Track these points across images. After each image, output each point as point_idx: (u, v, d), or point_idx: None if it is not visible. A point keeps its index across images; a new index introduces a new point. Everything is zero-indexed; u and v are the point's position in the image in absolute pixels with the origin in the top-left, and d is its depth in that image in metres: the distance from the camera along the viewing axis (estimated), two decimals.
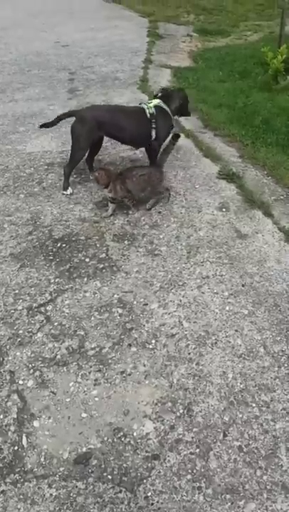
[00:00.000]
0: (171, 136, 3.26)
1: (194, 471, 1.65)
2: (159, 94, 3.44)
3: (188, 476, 1.63)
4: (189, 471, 1.65)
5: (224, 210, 3.10)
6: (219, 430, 1.78)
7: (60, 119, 3.36)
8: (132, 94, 5.26)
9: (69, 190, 3.34)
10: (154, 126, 3.25)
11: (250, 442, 1.73)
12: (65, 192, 3.33)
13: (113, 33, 8.23)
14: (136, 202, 3.13)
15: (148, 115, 3.23)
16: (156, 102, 3.32)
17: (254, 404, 1.86)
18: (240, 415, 1.82)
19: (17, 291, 2.50)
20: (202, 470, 1.65)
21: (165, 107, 3.32)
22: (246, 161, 3.76)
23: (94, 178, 3.06)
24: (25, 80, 5.94)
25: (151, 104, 3.28)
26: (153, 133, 3.27)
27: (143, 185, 3.05)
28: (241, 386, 1.94)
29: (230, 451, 1.71)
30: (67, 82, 5.78)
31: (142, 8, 10.30)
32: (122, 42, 7.59)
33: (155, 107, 3.27)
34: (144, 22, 9.14)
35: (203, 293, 2.44)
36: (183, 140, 4.10)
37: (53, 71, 6.26)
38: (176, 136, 3.22)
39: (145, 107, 3.27)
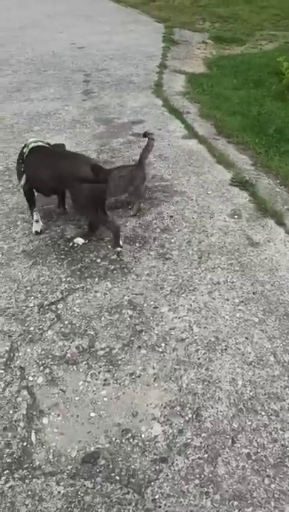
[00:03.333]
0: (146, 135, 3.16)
1: (202, 476, 1.65)
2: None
3: (196, 481, 1.64)
4: (197, 475, 1.65)
5: (236, 217, 3.11)
6: (228, 437, 1.78)
7: None
8: (147, 98, 5.29)
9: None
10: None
11: (259, 450, 1.73)
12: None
13: (129, 37, 8.27)
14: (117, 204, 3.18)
15: None
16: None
17: (263, 413, 1.86)
18: (249, 423, 1.83)
19: (29, 288, 2.51)
20: (210, 475, 1.65)
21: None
22: (259, 169, 3.78)
23: None
24: (41, 79, 5.98)
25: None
26: None
27: (123, 187, 3.01)
28: (251, 394, 1.94)
29: (238, 458, 1.71)
30: (82, 84, 5.81)
31: (158, 14, 10.35)
32: (137, 46, 7.62)
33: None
34: (159, 27, 9.17)
35: (213, 299, 2.44)
36: (196, 146, 4.13)
37: (68, 72, 6.29)
38: (149, 134, 3.13)
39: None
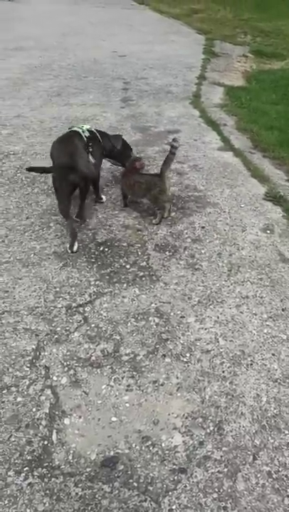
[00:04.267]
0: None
1: (221, 491, 1.63)
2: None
3: (215, 495, 1.62)
4: (216, 489, 1.64)
5: (268, 231, 3.09)
6: (249, 453, 1.75)
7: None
8: (184, 108, 5.32)
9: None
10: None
11: (280, 469, 1.70)
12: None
13: (169, 48, 8.34)
14: (128, 202, 3.33)
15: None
16: (87, 126, 3.22)
17: (287, 431, 1.83)
18: (272, 440, 1.80)
19: (58, 289, 2.54)
20: (229, 490, 1.63)
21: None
22: None
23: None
24: (81, 85, 6.09)
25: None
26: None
27: (139, 192, 3.15)
28: (275, 411, 1.91)
29: (258, 475, 1.68)
30: (121, 91, 5.89)
31: (199, 26, 10.42)
32: (177, 57, 7.69)
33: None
34: (200, 39, 9.23)
35: (241, 312, 2.42)
36: (231, 158, 4.13)
37: (108, 79, 6.39)
38: (173, 147, 3.07)
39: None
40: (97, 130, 3.28)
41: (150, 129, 4.69)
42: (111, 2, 13.34)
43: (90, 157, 3.07)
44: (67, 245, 2.86)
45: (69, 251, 2.83)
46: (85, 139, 3.08)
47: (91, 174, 2.96)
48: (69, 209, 2.94)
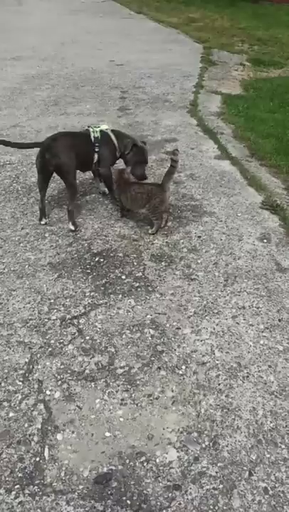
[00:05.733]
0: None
1: (216, 508, 1.59)
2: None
3: None
4: (211, 506, 1.60)
5: (265, 241, 3.06)
6: (245, 468, 1.72)
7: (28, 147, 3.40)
8: (181, 117, 5.32)
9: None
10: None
11: (277, 485, 1.67)
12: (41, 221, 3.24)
13: (167, 57, 8.36)
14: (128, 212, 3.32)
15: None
16: (103, 127, 3.30)
17: (283, 446, 1.80)
18: (268, 455, 1.76)
19: (52, 301, 2.52)
20: (224, 508, 1.60)
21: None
22: None
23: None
24: (78, 94, 6.09)
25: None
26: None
27: (139, 203, 3.08)
28: (271, 425, 1.87)
29: (255, 491, 1.65)
30: (118, 100, 5.89)
31: (197, 34, 10.45)
32: (175, 65, 7.70)
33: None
34: (198, 47, 9.25)
35: (237, 323, 2.39)
36: (228, 167, 4.11)
37: (105, 88, 6.40)
38: (173, 160, 3.03)
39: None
40: (114, 131, 3.35)
41: (147, 137, 4.67)
42: (109, 12, 13.41)
43: (95, 156, 3.22)
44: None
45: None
46: (93, 139, 3.17)
47: (65, 167, 3.06)
48: (43, 187, 3.20)
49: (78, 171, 3.23)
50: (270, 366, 2.14)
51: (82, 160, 3.16)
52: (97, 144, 3.18)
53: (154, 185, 3.16)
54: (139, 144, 3.34)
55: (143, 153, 3.35)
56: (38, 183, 3.21)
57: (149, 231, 3.13)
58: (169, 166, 3.05)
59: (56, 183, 3.62)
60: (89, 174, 3.77)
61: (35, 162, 3.14)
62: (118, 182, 3.20)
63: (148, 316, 2.43)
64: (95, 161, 3.24)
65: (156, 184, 3.16)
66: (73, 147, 3.07)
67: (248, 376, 2.09)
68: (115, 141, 3.27)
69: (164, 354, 2.21)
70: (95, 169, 3.37)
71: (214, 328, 2.36)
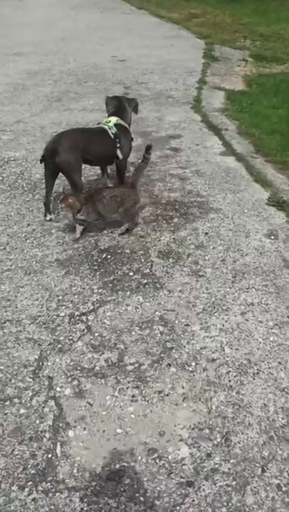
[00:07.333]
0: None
1: (230, 505, 1.59)
2: (112, 110, 3.41)
3: (224, 509, 1.58)
4: (224, 503, 1.60)
5: (272, 237, 3.05)
6: (257, 465, 1.72)
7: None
8: (185, 113, 5.30)
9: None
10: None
11: None
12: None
13: (169, 52, 8.32)
14: (107, 224, 3.10)
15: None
16: (114, 120, 3.27)
17: None
18: (281, 452, 1.76)
19: (60, 298, 2.51)
20: (238, 504, 1.60)
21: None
22: None
23: (66, 205, 2.91)
24: (81, 90, 6.07)
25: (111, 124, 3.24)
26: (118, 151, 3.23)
27: (114, 207, 2.94)
28: (283, 421, 1.87)
29: (268, 488, 1.64)
30: None
31: (199, 30, 10.41)
32: (177, 61, 7.66)
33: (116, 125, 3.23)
34: (200, 43, 9.21)
35: (247, 320, 2.39)
36: (234, 163, 4.10)
37: (108, 84, 6.38)
38: (148, 148, 2.99)
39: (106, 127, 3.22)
40: (122, 113, 3.36)
41: (151, 134, 4.67)
42: (110, 7, 13.34)
43: (119, 152, 3.21)
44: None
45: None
46: (112, 135, 3.16)
47: (68, 166, 3.03)
48: (49, 184, 3.17)
49: (90, 166, 3.22)
50: (280, 363, 2.14)
51: (98, 158, 3.16)
52: (118, 140, 3.18)
53: (126, 187, 3.09)
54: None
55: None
56: (44, 178, 3.19)
57: (118, 231, 3.06)
58: (139, 162, 3.05)
59: (60, 179, 3.60)
60: (94, 171, 3.76)
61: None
62: (81, 204, 2.90)
63: (157, 313, 2.43)
64: (121, 157, 3.24)
65: (127, 186, 3.10)
66: (81, 145, 3.04)
67: (258, 373, 2.09)
68: (130, 129, 3.32)
69: (173, 351, 2.20)
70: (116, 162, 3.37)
71: (223, 325, 2.35)
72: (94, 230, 3.09)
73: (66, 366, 2.11)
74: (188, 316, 2.41)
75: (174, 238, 3.04)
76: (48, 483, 1.65)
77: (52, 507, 1.58)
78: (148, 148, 2.98)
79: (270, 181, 3.79)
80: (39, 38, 9.21)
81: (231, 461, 1.73)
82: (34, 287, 2.58)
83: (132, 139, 3.40)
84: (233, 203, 3.45)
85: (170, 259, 2.84)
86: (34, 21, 10.99)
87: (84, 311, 2.43)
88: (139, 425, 1.86)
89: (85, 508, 1.58)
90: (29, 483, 1.65)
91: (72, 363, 2.13)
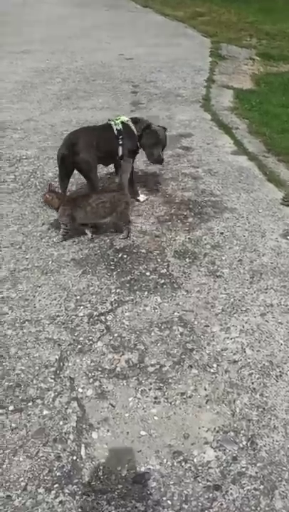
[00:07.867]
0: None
1: (258, 509, 1.58)
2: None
3: None
4: (253, 507, 1.58)
5: None
6: (285, 469, 1.70)
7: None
8: (195, 112, 5.27)
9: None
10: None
11: None
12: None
13: (176, 50, 8.29)
14: (96, 229, 3.04)
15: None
16: (123, 118, 3.24)
17: None
18: None
19: (78, 297, 2.49)
20: (266, 508, 1.58)
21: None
22: None
23: (44, 200, 2.90)
24: (90, 88, 6.04)
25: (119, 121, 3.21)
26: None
27: (104, 212, 2.86)
28: None
29: None
30: (130, 95, 5.84)
31: (204, 28, 10.37)
32: (184, 60, 7.63)
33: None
34: (206, 42, 9.17)
35: (267, 321, 2.37)
36: (246, 162, 4.08)
37: (116, 82, 6.35)
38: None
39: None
40: (133, 119, 3.29)
41: None
42: (115, 5, 13.28)
43: (120, 149, 3.16)
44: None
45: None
46: (116, 131, 3.13)
47: (86, 164, 3.03)
48: (63, 182, 3.15)
49: (101, 165, 3.19)
50: None
51: (106, 154, 3.13)
52: (120, 137, 3.14)
53: (114, 190, 3.02)
54: (153, 127, 3.27)
55: (156, 135, 3.26)
56: (58, 177, 3.16)
57: (120, 236, 3.01)
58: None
59: (74, 177, 3.58)
60: (106, 169, 3.74)
61: (57, 157, 3.08)
62: (60, 203, 2.88)
63: (175, 314, 2.41)
64: (120, 154, 3.19)
65: (115, 189, 3.07)
66: (94, 143, 3.02)
67: (281, 375, 2.07)
68: (135, 131, 3.23)
69: (194, 352, 2.18)
70: (118, 162, 3.32)
71: (243, 326, 2.34)
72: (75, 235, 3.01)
73: (87, 367, 2.09)
74: (207, 317, 2.39)
75: (189, 238, 3.02)
76: (75, 486, 1.64)
77: (80, 510, 1.56)
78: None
79: (283, 181, 3.76)
80: (45, 35, 9.17)
81: (258, 464, 1.72)
82: (52, 287, 2.56)
83: (138, 146, 3.26)
84: (247, 203, 3.43)
85: (186, 259, 2.82)
86: (40, 19, 10.95)
87: (102, 311, 2.41)
88: (162, 427, 1.85)
89: (113, 511, 1.56)
90: (55, 486, 1.63)
91: (92, 364, 2.11)
